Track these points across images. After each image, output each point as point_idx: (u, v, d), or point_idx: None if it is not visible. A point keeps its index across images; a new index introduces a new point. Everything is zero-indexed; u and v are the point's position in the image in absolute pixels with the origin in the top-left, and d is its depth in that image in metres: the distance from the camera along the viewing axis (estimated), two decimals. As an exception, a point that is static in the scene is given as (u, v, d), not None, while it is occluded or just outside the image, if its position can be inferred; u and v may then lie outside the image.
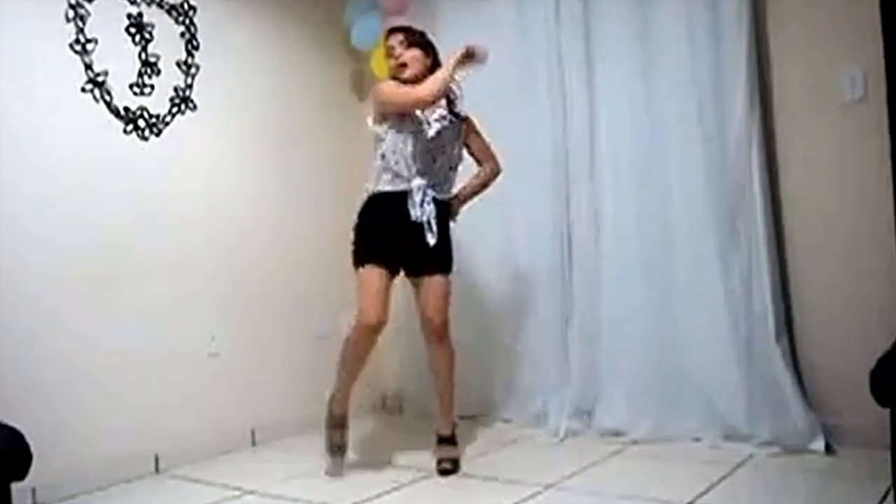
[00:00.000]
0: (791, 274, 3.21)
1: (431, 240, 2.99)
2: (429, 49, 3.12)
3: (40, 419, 2.63)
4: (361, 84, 4.24)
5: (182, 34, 3.50)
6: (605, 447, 3.26)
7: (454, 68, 2.93)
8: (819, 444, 2.98)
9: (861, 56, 2.97)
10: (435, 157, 3.03)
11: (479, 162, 3.25)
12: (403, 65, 3.05)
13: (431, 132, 3.00)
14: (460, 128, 3.13)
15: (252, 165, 3.75)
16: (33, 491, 2.82)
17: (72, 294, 3.05)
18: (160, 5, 3.42)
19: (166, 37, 3.43)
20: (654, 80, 3.38)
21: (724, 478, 2.78)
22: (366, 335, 3.00)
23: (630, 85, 3.43)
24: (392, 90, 3.03)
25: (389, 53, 3.11)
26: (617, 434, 3.36)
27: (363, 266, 2.99)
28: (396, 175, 3.00)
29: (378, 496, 2.82)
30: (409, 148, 2.99)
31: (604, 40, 3.50)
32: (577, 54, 3.54)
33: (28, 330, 2.91)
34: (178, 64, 3.48)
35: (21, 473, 1.98)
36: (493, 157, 3.25)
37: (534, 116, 3.65)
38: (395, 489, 2.90)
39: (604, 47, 3.50)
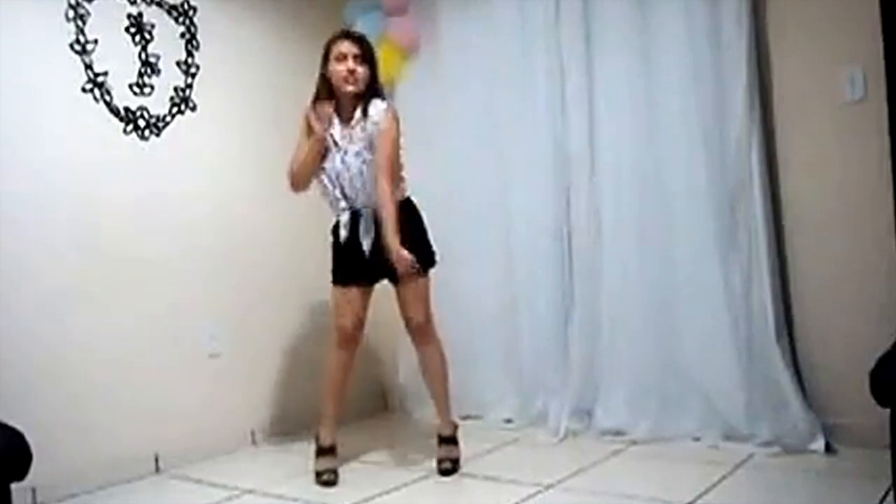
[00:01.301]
0: (791, 274, 3.21)
1: (367, 254, 3.00)
2: (375, 65, 3.03)
3: (40, 419, 2.64)
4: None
5: (182, 34, 3.50)
6: (605, 447, 3.26)
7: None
8: (819, 444, 2.98)
9: (861, 56, 2.96)
10: (351, 181, 3.00)
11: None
12: (354, 80, 2.94)
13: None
14: (372, 135, 2.96)
15: (252, 165, 3.75)
16: (33, 491, 2.83)
17: (71, 294, 3.05)
18: (160, 5, 3.42)
19: (166, 37, 3.43)
20: (653, 79, 3.37)
21: (724, 478, 2.78)
22: (340, 345, 3.06)
23: (630, 84, 3.42)
24: (300, 138, 3.04)
25: (339, 59, 2.94)
26: (617, 434, 3.36)
27: (336, 286, 3.08)
28: (335, 202, 3.05)
29: (378, 496, 2.82)
30: (333, 176, 3.02)
31: (604, 39, 3.49)
32: (577, 53, 3.54)
33: (28, 330, 2.91)
34: (178, 64, 3.48)
35: (21, 473, 1.98)
36: (387, 179, 2.92)
37: (534, 116, 3.65)
38: (395, 489, 2.90)
39: (604, 46, 3.49)
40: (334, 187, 3.04)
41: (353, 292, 3.07)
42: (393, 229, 2.88)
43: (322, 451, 3.09)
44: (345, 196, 3.03)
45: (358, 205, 3.03)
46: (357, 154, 2.98)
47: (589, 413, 3.50)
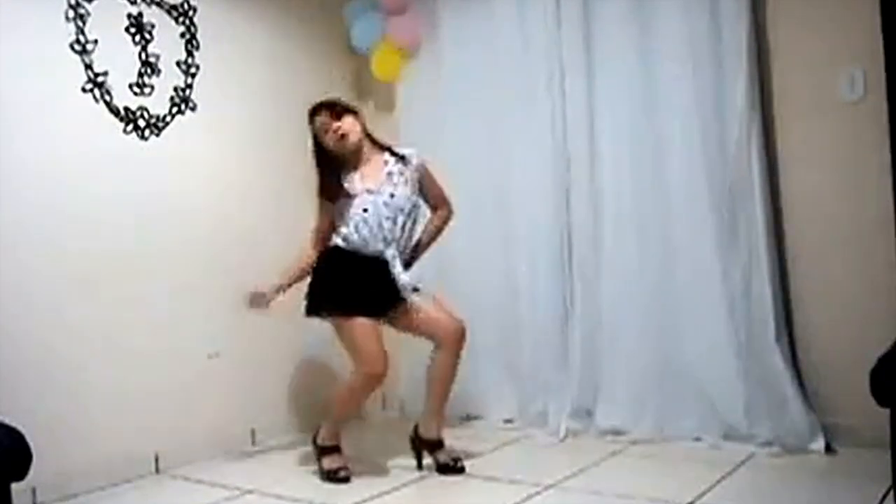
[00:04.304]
0: (791, 274, 3.21)
1: (410, 295, 2.99)
2: (356, 112, 3.08)
3: (40, 419, 2.63)
4: (361, 84, 4.24)
5: (182, 34, 3.50)
6: (605, 447, 3.26)
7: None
8: (819, 444, 2.98)
9: (861, 56, 2.97)
10: (395, 221, 2.99)
11: (433, 209, 3.18)
12: (344, 135, 2.99)
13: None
14: (414, 179, 3.07)
15: (252, 165, 3.75)
16: (33, 491, 2.83)
17: (72, 294, 3.05)
18: (160, 5, 3.42)
19: (166, 37, 3.43)
20: (653, 80, 3.37)
21: (724, 478, 2.78)
22: (372, 384, 3.01)
23: (630, 85, 3.43)
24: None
25: (324, 131, 3.01)
26: (617, 434, 3.37)
27: (351, 319, 2.93)
28: (358, 245, 2.99)
29: (378, 496, 2.82)
30: (367, 226, 2.97)
31: (604, 40, 3.49)
32: (577, 54, 3.54)
33: (28, 330, 2.91)
34: (178, 64, 3.48)
35: (21, 473, 1.98)
36: (446, 203, 3.18)
37: (534, 116, 3.65)
38: (395, 489, 2.90)
39: (604, 47, 3.49)
40: (375, 235, 2.97)
41: (377, 328, 2.99)
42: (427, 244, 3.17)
43: (328, 450, 3.08)
44: (386, 242, 2.97)
45: (380, 247, 2.97)
46: (407, 198, 3.03)
47: (589, 413, 3.50)
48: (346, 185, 3.02)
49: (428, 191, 3.14)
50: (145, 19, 3.36)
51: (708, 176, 3.25)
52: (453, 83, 3.88)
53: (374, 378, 2.96)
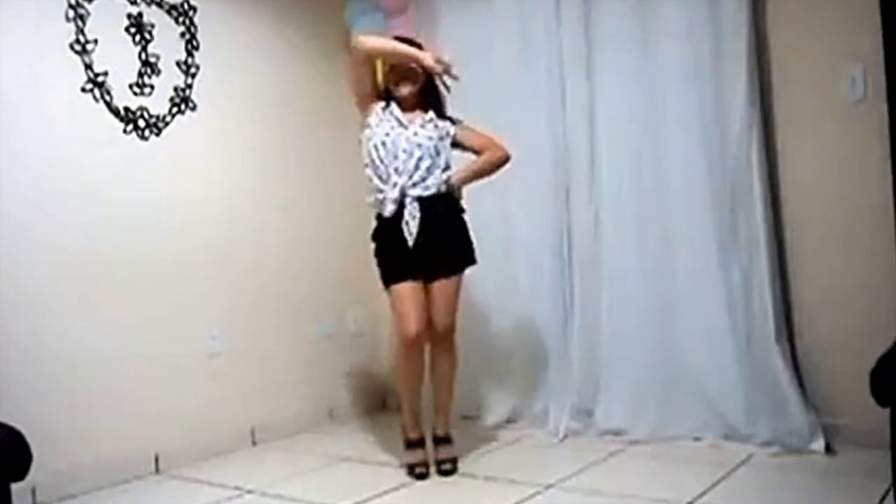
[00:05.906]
0: (791, 274, 3.21)
1: (409, 241, 2.97)
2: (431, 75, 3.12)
3: (40, 419, 2.63)
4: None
5: (182, 34, 3.50)
6: (605, 447, 3.26)
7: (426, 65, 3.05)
8: (819, 444, 2.98)
9: (861, 55, 2.97)
10: (411, 154, 2.99)
11: (479, 153, 3.18)
12: (410, 79, 3.06)
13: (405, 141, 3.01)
14: (447, 130, 3.10)
15: (252, 165, 3.75)
16: (33, 491, 2.83)
17: (72, 294, 3.05)
18: (160, 5, 3.42)
19: (166, 37, 3.43)
20: (654, 80, 3.38)
21: (724, 478, 2.78)
22: (409, 349, 3.00)
23: (630, 85, 3.43)
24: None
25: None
26: (617, 434, 3.37)
27: (393, 284, 3.00)
28: (380, 191, 3.01)
29: (378, 496, 2.82)
30: (384, 149, 3.00)
31: (604, 40, 3.49)
32: (577, 54, 3.54)
33: (28, 330, 2.91)
34: (178, 64, 3.48)
35: (21, 473, 1.98)
36: (496, 145, 3.16)
37: (534, 116, 3.65)
38: (395, 489, 2.90)
39: (604, 47, 3.50)
40: (387, 165, 2.99)
41: (417, 290, 3.00)
42: (471, 170, 3.15)
43: (411, 444, 3.10)
44: (397, 173, 2.98)
45: (405, 187, 2.98)
46: (430, 138, 3.03)
47: (589, 413, 3.50)
48: (387, 109, 3.07)
49: (469, 141, 3.15)
50: (145, 19, 3.36)
51: (708, 176, 3.25)
52: (453, 83, 3.87)
53: (406, 342, 2.98)
